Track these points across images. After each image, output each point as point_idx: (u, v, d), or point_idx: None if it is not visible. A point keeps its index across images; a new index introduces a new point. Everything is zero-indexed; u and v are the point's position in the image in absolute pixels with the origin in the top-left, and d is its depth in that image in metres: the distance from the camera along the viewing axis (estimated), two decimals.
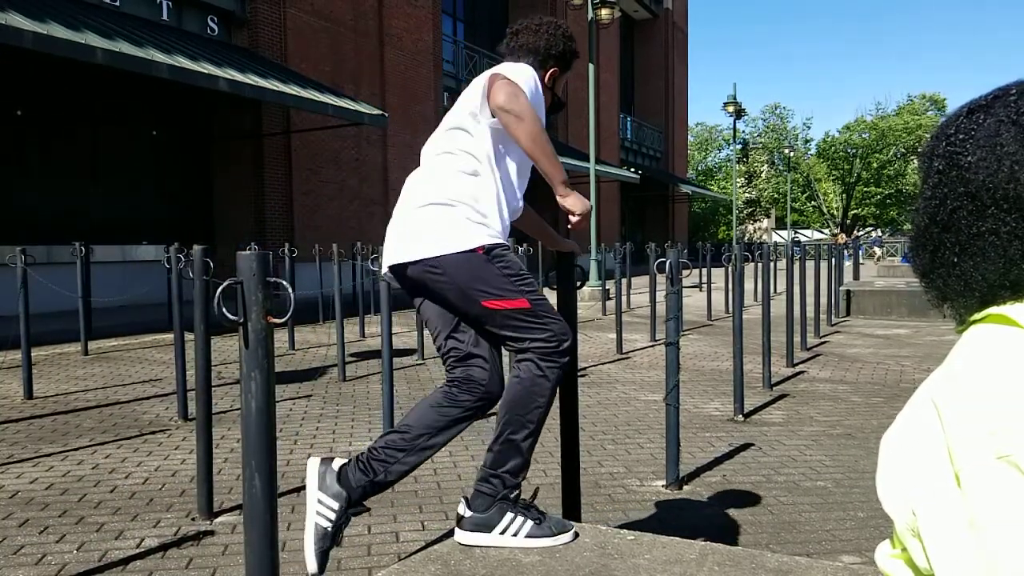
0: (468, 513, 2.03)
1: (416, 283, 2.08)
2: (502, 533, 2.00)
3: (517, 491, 2.08)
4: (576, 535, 2.06)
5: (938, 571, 0.62)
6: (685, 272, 3.64)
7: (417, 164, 2.30)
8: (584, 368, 6.81)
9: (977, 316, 0.72)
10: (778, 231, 54.51)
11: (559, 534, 2.02)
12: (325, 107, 12.67)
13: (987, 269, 0.71)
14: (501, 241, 2.06)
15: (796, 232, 49.45)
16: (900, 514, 0.69)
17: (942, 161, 0.75)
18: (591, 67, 14.66)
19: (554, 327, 2.03)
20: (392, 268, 2.11)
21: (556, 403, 2.20)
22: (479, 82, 2.10)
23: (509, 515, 2.01)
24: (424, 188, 2.10)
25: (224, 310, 1.63)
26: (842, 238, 39.47)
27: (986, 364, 0.65)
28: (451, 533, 2.12)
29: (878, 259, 32.46)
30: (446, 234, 2.00)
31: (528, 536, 2.00)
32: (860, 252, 37.61)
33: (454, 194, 2.04)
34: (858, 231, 51.15)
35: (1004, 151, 0.69)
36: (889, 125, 48.49)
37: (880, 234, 45.47)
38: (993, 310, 0.70)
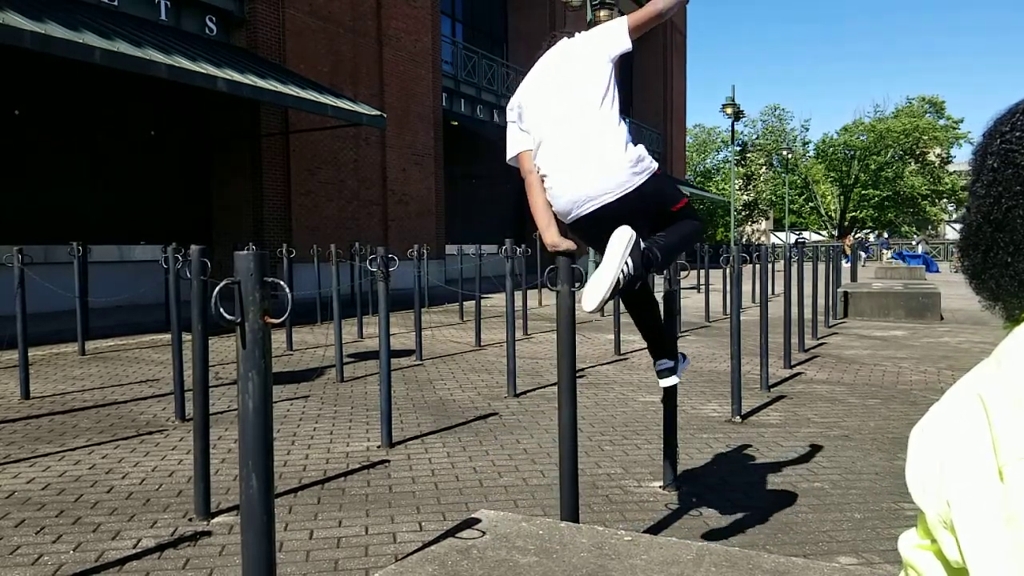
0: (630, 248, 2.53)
1: (622, 207, 2.59)
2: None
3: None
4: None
5: (973, 566, 0.62)
6: (683, 273, 3.64)
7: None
8: (582, 369, 6.81)
9: None
10: (776, 233, 54.56)
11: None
12: (324, 108, 12.67)
13: None
14: None
15: (799, 233, 49.41)
16: (932, 506, 0.69)
17: (996, 159, 0.74)
18: None
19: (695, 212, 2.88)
20: (602, 206, 2.59)
21: (554, 404, 2.21)
22: (601, 35, 2.68)
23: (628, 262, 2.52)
24: (605, 136, 2.59)
25: (222, 310, 1.63)
26: (849, 240, 39.50)
27: None
28: (448, 534, 2.12)
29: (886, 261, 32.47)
30: (644, 165, 2.61)
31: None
32: (867, 254, 37.60)
33: (626, 136, 2.61)
34: (856, 233, 51.17)
35: None
36: (887, 127, 48.48)
37: (887, 236, 45.38)
38: None
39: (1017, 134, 0.72)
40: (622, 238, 2.50)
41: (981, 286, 0.77)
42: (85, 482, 3.69)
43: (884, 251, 37.11)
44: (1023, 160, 0.71)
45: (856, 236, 47.62)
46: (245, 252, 1.62)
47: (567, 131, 2.61)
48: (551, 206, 2.70)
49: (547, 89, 2.68)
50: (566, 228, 2.77)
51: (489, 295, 12.69)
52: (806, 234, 53.52)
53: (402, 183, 17.69)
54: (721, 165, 57.16)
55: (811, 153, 54.79)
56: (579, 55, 2.66)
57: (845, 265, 17.98)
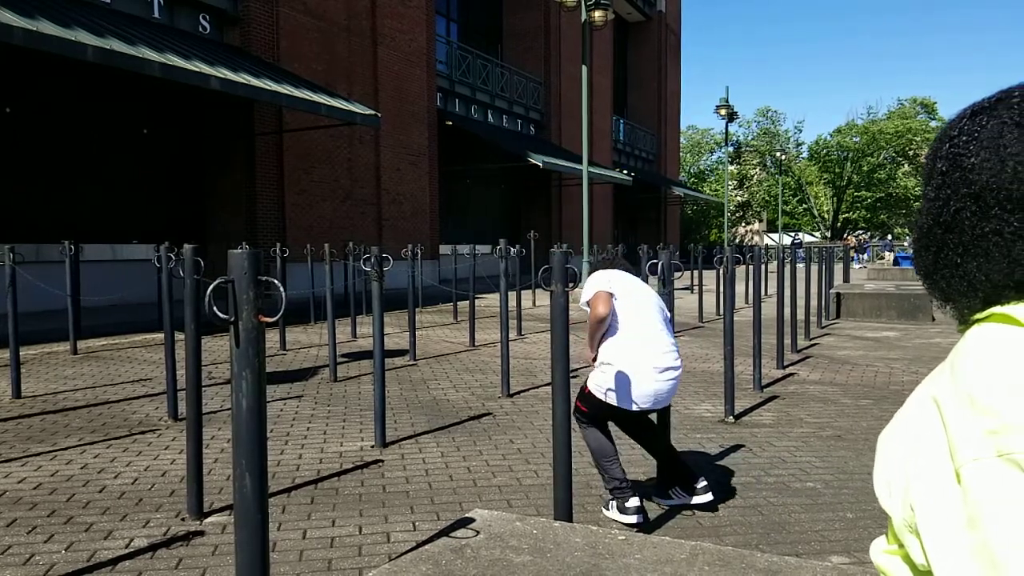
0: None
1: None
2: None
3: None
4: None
5: (936, 568, 0.63)
6: (677, 274, 3.65)
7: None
8: (576, 369, 6.81)
9: (980, 315, 0.72)
10: (769, 234, 54.71)
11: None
12: (318, 107, 12.63)
13: (991, 269, 0.71)
14: None
15: (794, 235, 49.49)
16: (898, 510, 0.70)
17: (945, 163, 0.75)
18: (584, 69, 14.70)
19: None
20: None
21: (547, 404, 2.21)
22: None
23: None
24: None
25: (215, 309, 1.63)
26: (852, 241, 39.51)
27: (989, 362, 0.66)
28: (442, 533, 2.12)
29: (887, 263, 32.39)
30: None
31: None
32: (866, 255, 37.58)
33: None
34: (849, 233, 51.34)
35: (1007, 152, 0.69)
36: (880, 129, 48.70)
37: (891, 238, 45.47)
38: (996, 309, 0.71)
39: (964, 138, 0.74)
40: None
41: (933, 286, 0.79)
42: (77, 482, 3.67)
43: (887, 253, 36.98)
44: (969, 163, 0.72)
45: (858, 236, 47.69)
46: (239, 251, 1.62)
47: (663, 339, 3.34)
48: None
49: (644, 296, 3.46)
50: (606, 411, 3.38)
51: (483, 295, 12.69)
52: (800, 235, 53.69)
53: (396, 183, 17.67)
54: (715, 166, 57.28)
55: (804, 155, 54.98)
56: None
57: (856, 266, 17.98)
